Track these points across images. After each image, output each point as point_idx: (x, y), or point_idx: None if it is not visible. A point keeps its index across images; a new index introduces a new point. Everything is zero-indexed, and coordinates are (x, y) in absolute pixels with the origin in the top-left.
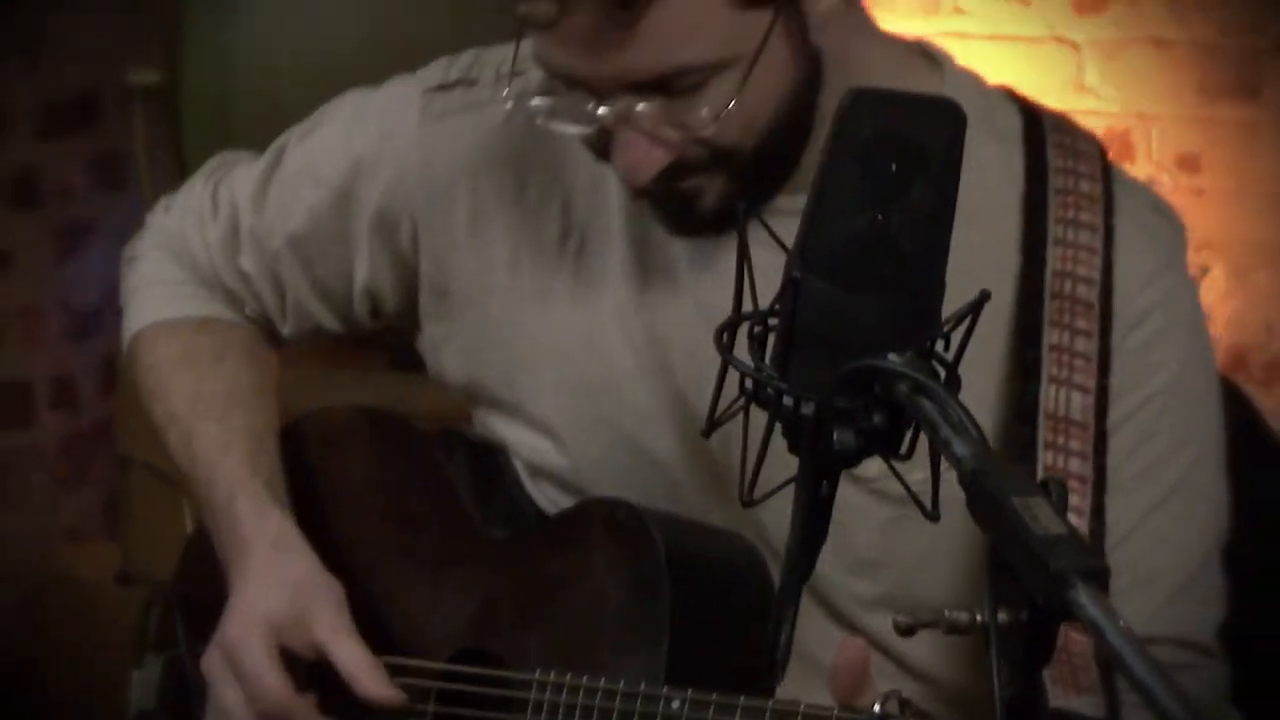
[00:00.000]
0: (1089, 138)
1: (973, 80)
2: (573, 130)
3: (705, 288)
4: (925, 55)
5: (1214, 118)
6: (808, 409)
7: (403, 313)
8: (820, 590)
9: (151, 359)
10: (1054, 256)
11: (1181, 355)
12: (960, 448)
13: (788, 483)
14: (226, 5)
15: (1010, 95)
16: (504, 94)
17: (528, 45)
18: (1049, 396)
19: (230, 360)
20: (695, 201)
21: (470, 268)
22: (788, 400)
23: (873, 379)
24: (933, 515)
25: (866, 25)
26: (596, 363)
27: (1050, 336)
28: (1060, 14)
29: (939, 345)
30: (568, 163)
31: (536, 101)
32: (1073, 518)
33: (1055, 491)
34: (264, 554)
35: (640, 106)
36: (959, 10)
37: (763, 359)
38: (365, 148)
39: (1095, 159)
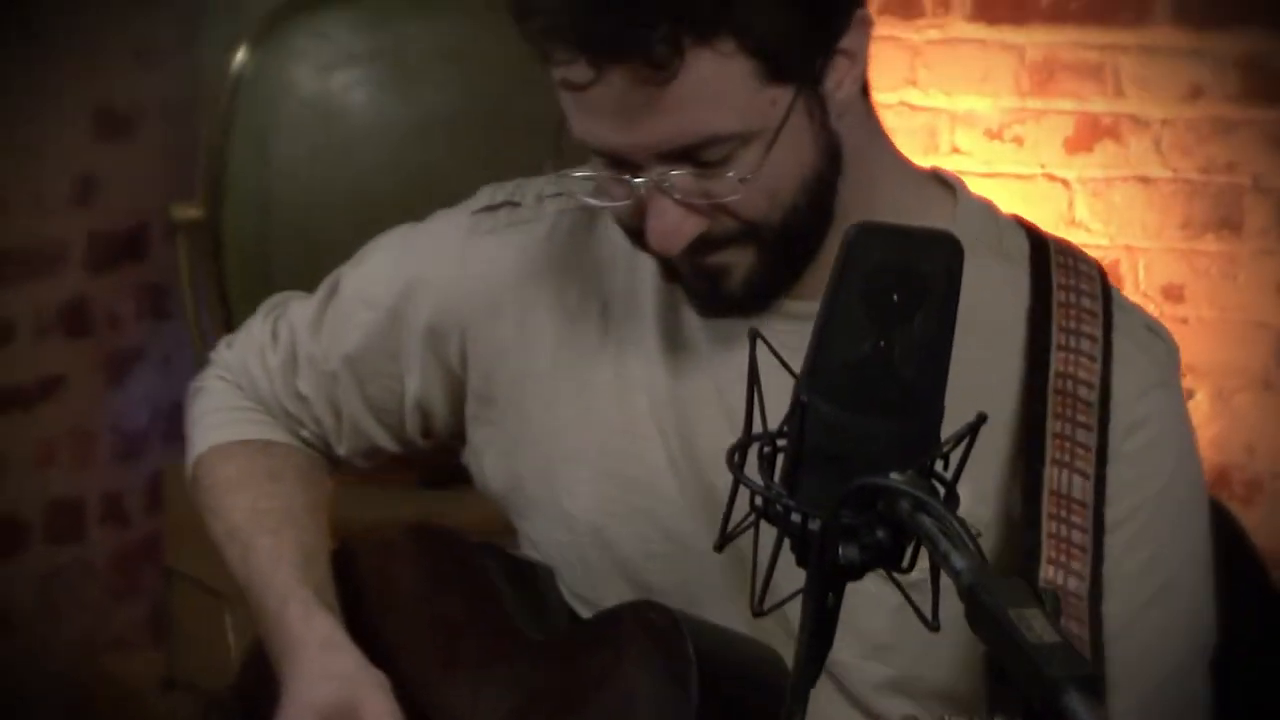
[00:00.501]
0: (1090, 261)
1: (984, 207)
2: (610, 203)
3: (728, 376)
4: (940, 181)
5: (1197, 251)
6: (815, 525)
7: (451, 427)
8: (836, 674)
9: (212, 479)
10: (1056, 359)
11: (1171, 465)
12: (959, 561)
13: (795, 594)
14: (266, 149)
15: (1019, 222)
16: (546, 208)
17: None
18: (1052, 476)
19: (286, 481)
20: (724, 279)
21: (515, 372)
22: (796, 517)
23: (876, 497)
24: (933, 626)
25: (881, 132)
26: (632, 458)
27: (1053, 426)
28: (1052, 153)
29: (938, 464)
30: (605, 271)
31: (578, 176)
32: (1073, 582)
33: (1049, 603)
34: (313, 653)
35: (672, 174)
36: (957, 149)
37: (772, 477)
38: (416, 269)
39: (1096, 280)
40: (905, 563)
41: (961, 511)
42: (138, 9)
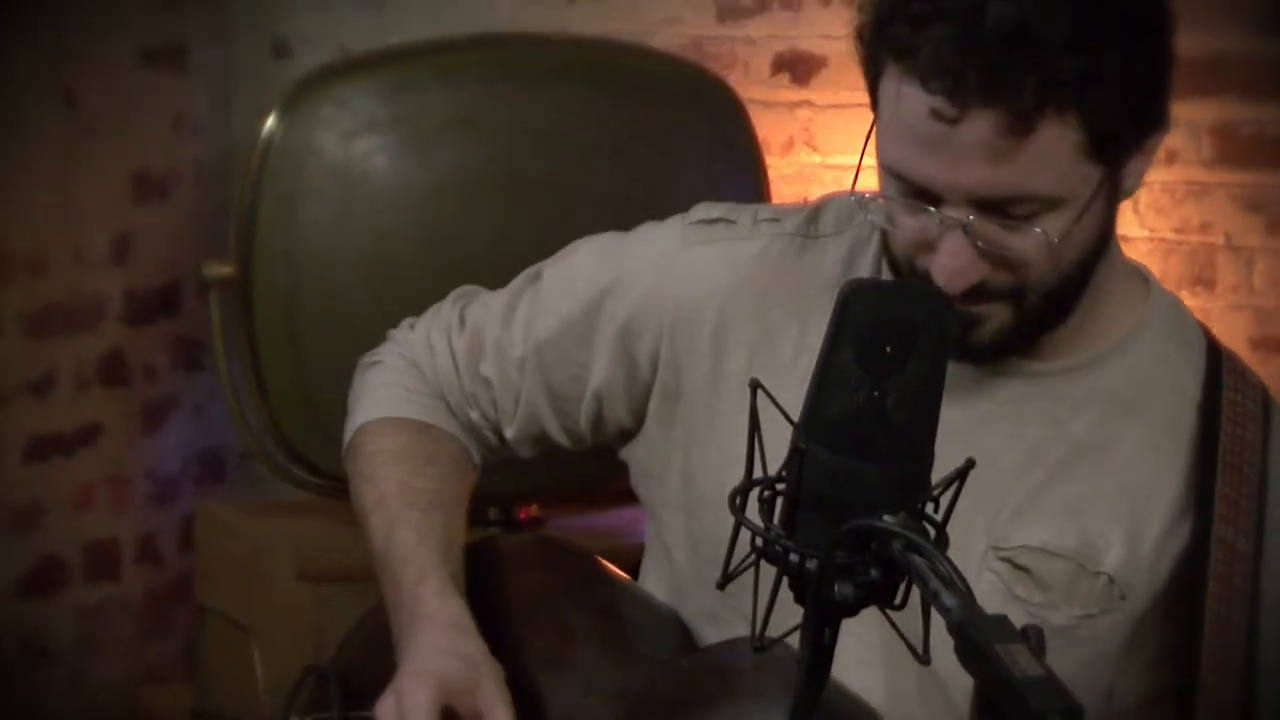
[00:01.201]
0: (1256, 377)
1: (1174, 301)
2: (906, 232)
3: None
4: (1140, 274)
5: None
6: (812, 564)
7: (623, 421)
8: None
9: (372, 447)
10: (1225, 440)
11: None
12: (948, 599)
13: (793, 630)
14: (293, 210)
15: (1198, 320)
16: (761, 230)
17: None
18: (1220, 529)
19: (441, 466)
20: (976, 329)
21: (706, 373)
22: (794, 557)
23: (870, 538)
24: (924, 660)
25: (1115, 238)
26: None
27: (1221, 488)
28: None
29: (929, 507)
30: (809, 296)
31: (867, 195)
32: (1235, 616)
33: (1034, 638)
34: (442, 630)
35: (974, 218)
36: None
37: (771, 519)
38: (624, 267)
39: (1260, 393)
40: (897, 600)
41: (1115, 573)
42: (174, 80)
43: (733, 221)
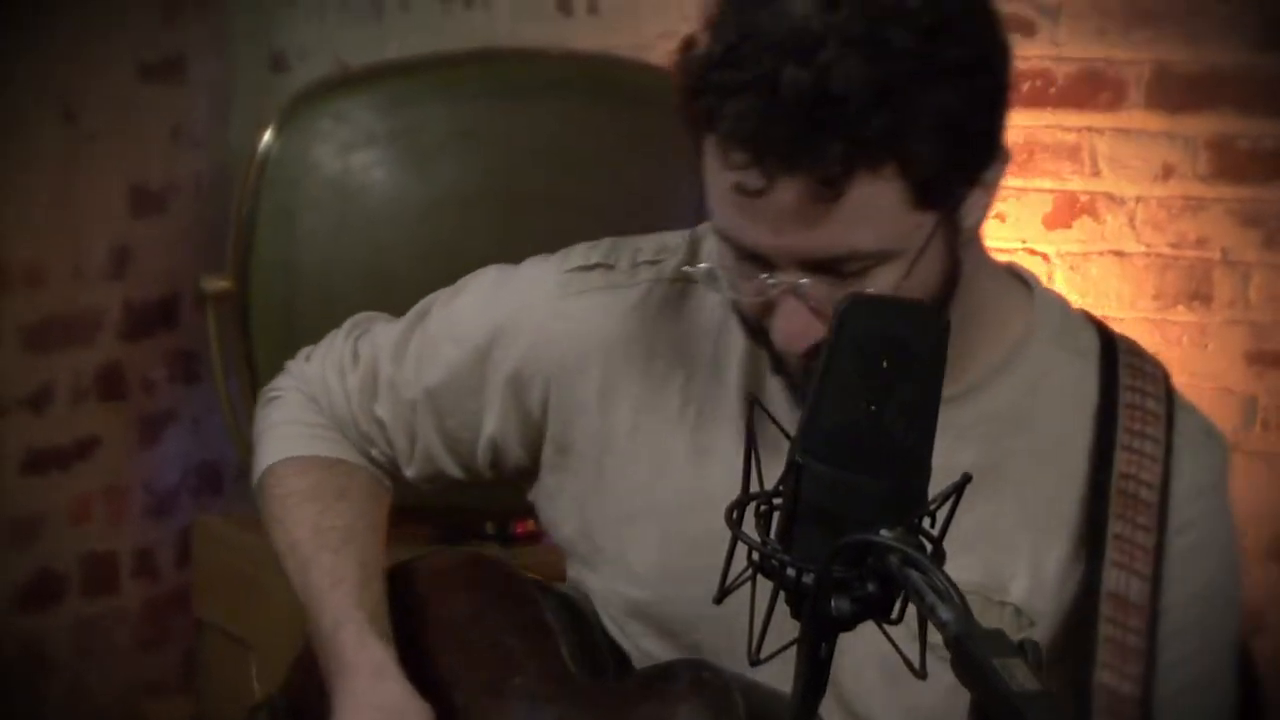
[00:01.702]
0: (1155, 363)
1: (1059, 302)
2: (743, 297)
3: None
4: (1017, 276)
5: (1169, 321)
6: (808, 579)
7: (521, 465)
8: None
9: (281, 490)
10: (1120, 460)
11: (1213, 568)
12: (945, 613)
13: (790, 644)
14: (291, 224)
15: (1089, 317)
16: (639, 275)
17: (655, 241)
18: (1111, 578)
19: (352, 499)
20: None
21: (595, 429)
22: (791, 571)
23: (867, 552)
24: (921, 674)
25: (983, 249)
26: (700, 522)
27: (1114, 527)
28: (1032, 229)
29: (926, 521)
30: (691, 343)
31: (703, 267)
32: (1128, 686)
33: (1031, 652)
34: (363, 680)
35: (806, 281)
36: None
37: (768, 534)
38: (507, 315)
39: (1160, 382)
40: (894, 614)
41: (1020, 602)
42: (172, 93)
43: (611, 266)
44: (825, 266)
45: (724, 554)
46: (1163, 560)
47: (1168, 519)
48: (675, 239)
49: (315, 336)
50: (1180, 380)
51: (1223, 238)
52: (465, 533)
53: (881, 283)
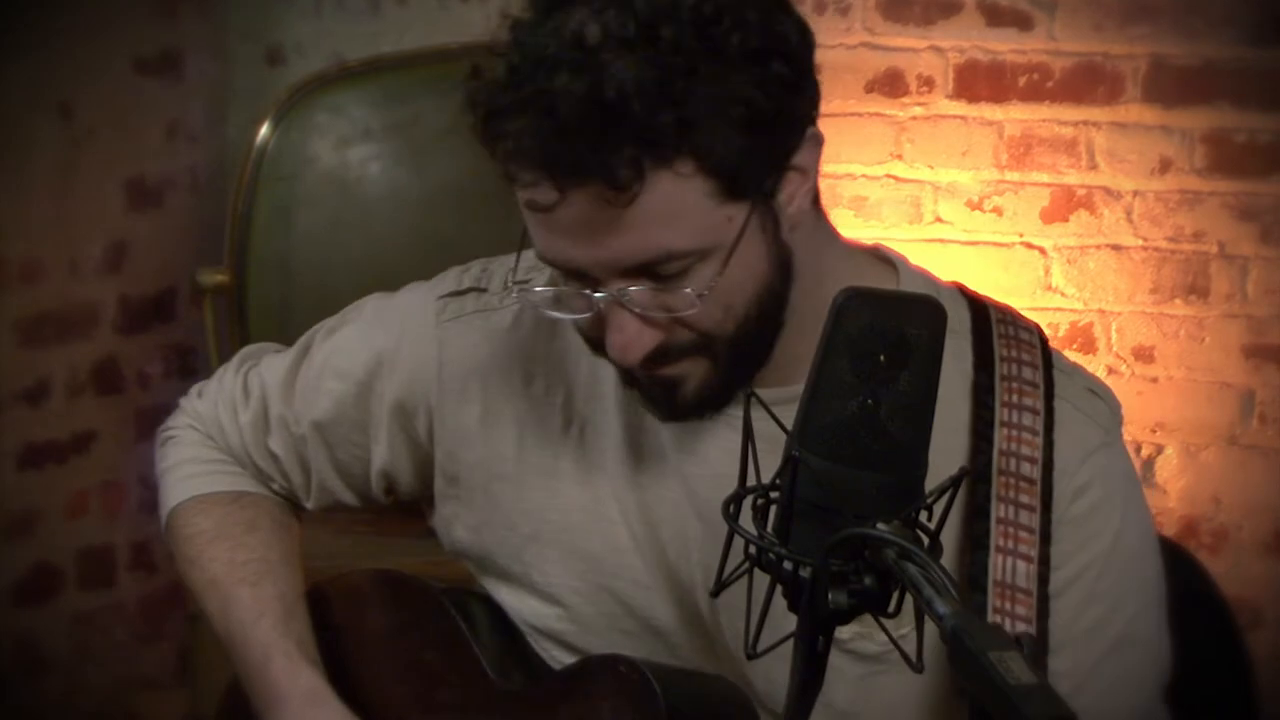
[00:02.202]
0: (1030, 328)
1: (925, 279)
2: (571, 316)
3: (690, 469)
4: (882, 259)
5: (1166, 314)
6: (805, 572)
7: (416, 493)
8: None
9: (190, 530)
10: (1000, 437)
11: (1116, 523)
12: (942, 607)
13: (788, 638)
14: (287, 218)
15: (961, 291)
16: (511, 297)
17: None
18: (996, 565)
19: (262, 531)
20: (679, 389)
21: (480, 456)
22: (788, 564)
23: (864, 545)
24: (918, 667)
25: (831, 234)
26: (597, 538)
27: (997, 510)
28: (1029, 223)
29: (922, 515)
30: (568, 360)
31: (539, 291)
32: None
33: (1028, 646)
34: (298, 707)
35: (631, 289)
36: (939, 219)
37: (765, 527)
38: (385, 345)
39: (1036, 348)
40: (891, 608)
41: None
42: (169, 88)
43: (483, 290)
44: (643, 272)
45: (624, 571)
46: (1050, 541)
47: (1054, 492)
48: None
49: (310, 328)
50: (1177, 374)
51: (1220, 231)
52: None
53: (701, 280)
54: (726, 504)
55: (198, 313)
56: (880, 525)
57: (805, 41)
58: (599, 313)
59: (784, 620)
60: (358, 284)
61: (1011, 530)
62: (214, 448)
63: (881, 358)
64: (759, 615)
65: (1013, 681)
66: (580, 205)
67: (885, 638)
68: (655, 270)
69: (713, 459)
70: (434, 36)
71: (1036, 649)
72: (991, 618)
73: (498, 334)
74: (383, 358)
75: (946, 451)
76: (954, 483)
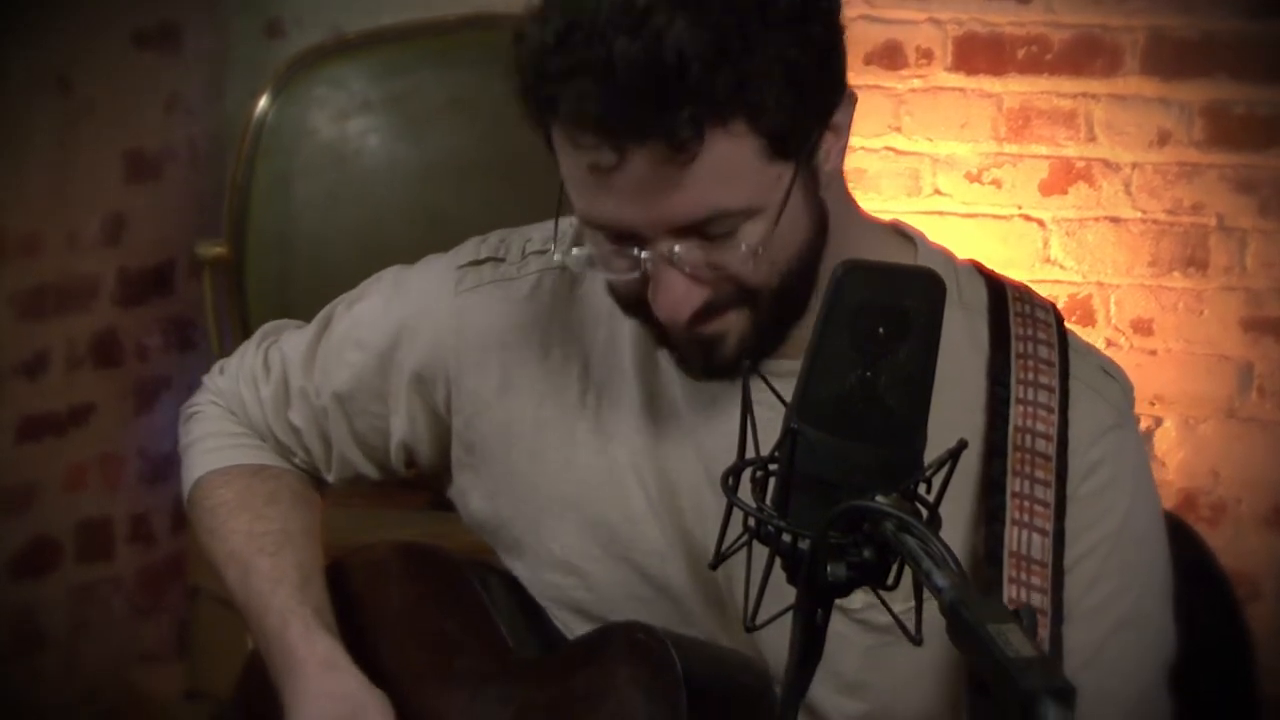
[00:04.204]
0: (1046, 306)
1: (943, 256)
2: (619, 276)
3: (705, 433)
4: (900, 233)
5: (1165, 287)
6: (804, 545)
7: (435, 464)
8: (813, 708)
9: (211, 502)
10: (1015, 414)
11: (1126, 503)
12: (941, 580)
13: (786, 610)
14: (286, 190)
15: (978, 269)
16: (529, 266)
17: (545, 229)
18: (1012, 538)
19: (282, 503)
20: (719, 346)
21: (498, 424)
22: (786, 537)
23: (862, 518)
24: (916, 640)
25: (852, 202)
26: (614, 505)
27: (1013, 485)
28: (1028, 195)
29: (922, 488)
30: (585, 329)
31: (579, 251)
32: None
33: (1026, 619)
34: (314, 672)
35: (679, 248)
36: (938, 191)
37: (764, 500)
38: (405, 316)
39: (1052, 327)
40: (890, 580)
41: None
42: (167, 61)
43: (501, 259)
44: (693, 231)
45: (640, 537)
46: (1064, 515)
47: (1068, 468)
48: (563, 225)
49: (310, 301)
50: (1176, 346)
51: (1218, 204)
52: None
53: (751, 238)
54: (725, 476)
55: (196, 285)
56: (879, 498)
57: (835, 4)
58: (644, 274)
59: (788, 592)
60: (356, 256)
61: (1027, 504)
62: (236, 422)
63: (880, 330)
64: (758, 587)
65: (1011, 654)
66: (638, 166)
67: (898, 607)
68: (706, 229)
69: (730, 427)
70: (433, 8)
71: (1053, 620)
72: (1007, 589)
73: (516, 303)
74: (402, 328)
75: (962, 428)
76: (953, 455)
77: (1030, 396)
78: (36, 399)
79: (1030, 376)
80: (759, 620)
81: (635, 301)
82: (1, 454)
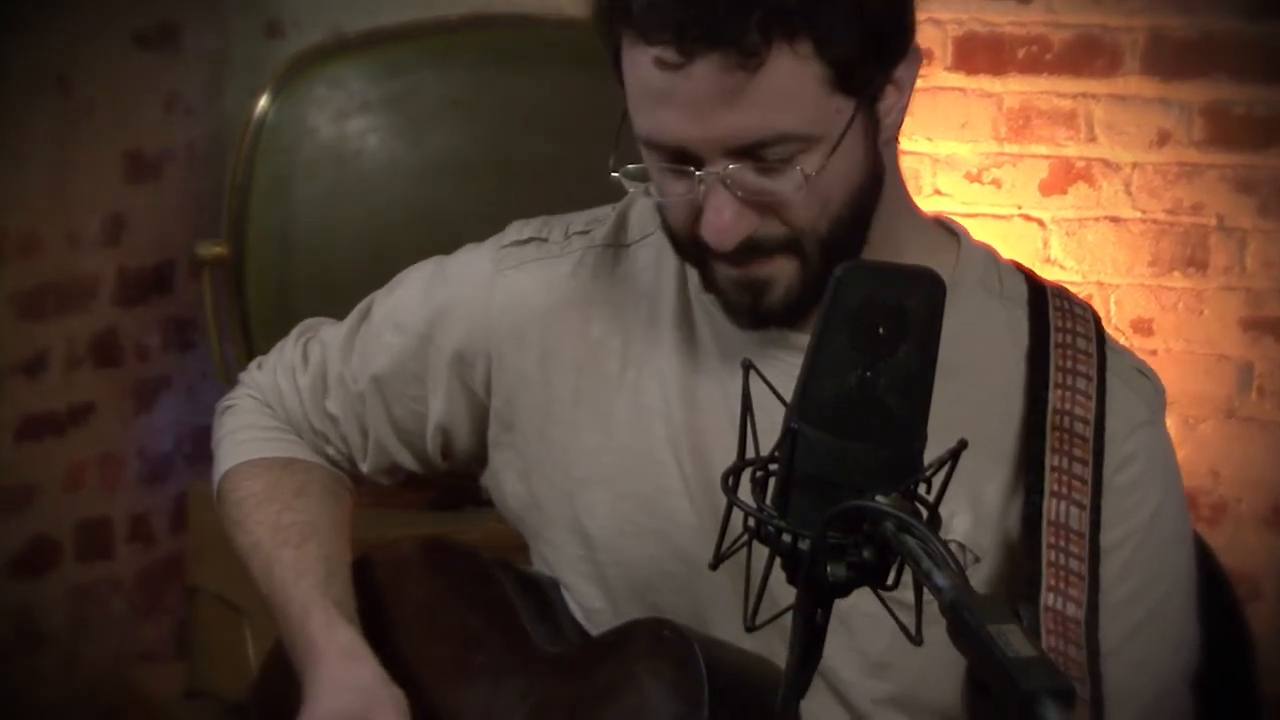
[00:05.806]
0: (1085, 306)
1: (986, 253)
2: (672, 197)
3: (738, 402)
4: (945, 228)
5: (1165, 287)
6: (804, 545)
7: (470, 448)
8: (838, 689)
9: (239, 493)
10: (1054, 397)
11: (1156, 500)
12: (941, 580)
13: (785, 610)
14: (286, 190)
15: (1018, 268)
16: (572, 245)
17: (586, 214)
18: (1050, 508)
19: (310, 496)
20: (766, 293)
21: (538, 399)
22: (786, 537)
23: (862, 518)
24: (917, 640)
25: (904, 186)
26: (648, 480)
27: (1051, 459)
28: (1028, 195)
29: (921, 487)
30: (626, 305)
31: (635, 167)
32: (1072, 608)
33: (1027, 619)
34: (334, 662)
35: (733, 167)
36: (938, 191)
37: (764, 500)
38: (446, 298)
39: (1090, 323)
40: (889, 581)
41: (964, 539)
42: (167, 61)
43: (544, 240)
44: (750, 153)
45: (674, 516)
46: (1101, 494)
47: (1104, 454)
48: (604, 210)
49: (310, 301)
50: (1176, 346)
51: (1218, 204)
52: (461, 498)
53: (807, 166)
54: (725, 476)
55: (196, 285)
56: (879, 498)
57: None
58: (694, 199)
59: (791, 593)
60: (356, 256)
61: (1065, 478)
62: (271, 415)
63: (881, 330)
64: (758, 588)
65: (1011, 654)
66: (703, 76)
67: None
68: (763, 152)
69: (766, 404)
70: (433, 8)
71: (1089, 588)
72: (1046, 555)
73: (557, 279)
74: (443, 310)
75: (1000, 412)
76: (952, 455)
77: (1069, 383)
78: (36, 399)
79: (1069, 364)
80: (759, 620)
81: (686, 237)
82: (1, 454)
